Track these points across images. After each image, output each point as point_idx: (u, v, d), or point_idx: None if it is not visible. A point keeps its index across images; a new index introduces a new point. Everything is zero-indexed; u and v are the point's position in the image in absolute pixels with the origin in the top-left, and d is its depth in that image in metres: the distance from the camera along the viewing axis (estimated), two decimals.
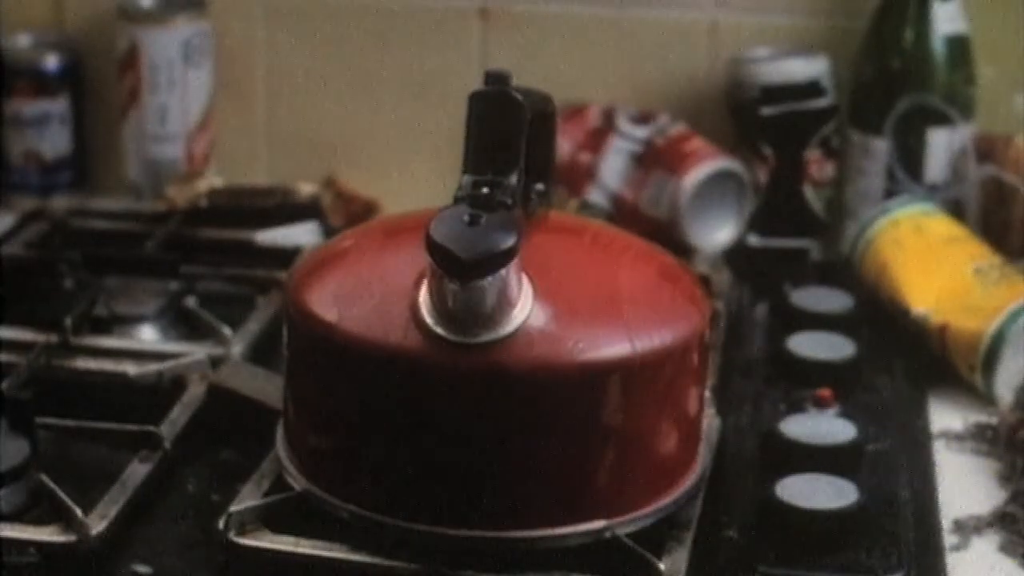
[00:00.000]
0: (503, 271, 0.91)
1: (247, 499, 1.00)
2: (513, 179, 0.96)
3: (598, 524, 0.95)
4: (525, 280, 0.94)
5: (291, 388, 1.02)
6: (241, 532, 0.98)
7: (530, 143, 0.99)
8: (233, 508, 0.99)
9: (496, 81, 0.97)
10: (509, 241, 0.90)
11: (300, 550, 0.97)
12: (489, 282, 0.91)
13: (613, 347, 0.94)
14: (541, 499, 0.94)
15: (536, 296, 0.94)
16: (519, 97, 0.97)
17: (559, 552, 0.96)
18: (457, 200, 0.94)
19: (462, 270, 0.90)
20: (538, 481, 0.94)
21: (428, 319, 0.93)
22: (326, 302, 0.97)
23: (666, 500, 0.98)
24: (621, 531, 0.95)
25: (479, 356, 0.92)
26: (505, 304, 0.92)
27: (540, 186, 1.02)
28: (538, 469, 0.94)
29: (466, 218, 0.91)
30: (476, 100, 0.98)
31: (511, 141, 0.97)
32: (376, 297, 0.96)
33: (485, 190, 0.94)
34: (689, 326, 0.98)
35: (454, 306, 0.92)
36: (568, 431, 0.94)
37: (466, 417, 0.93)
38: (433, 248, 0.90)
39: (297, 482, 0.99)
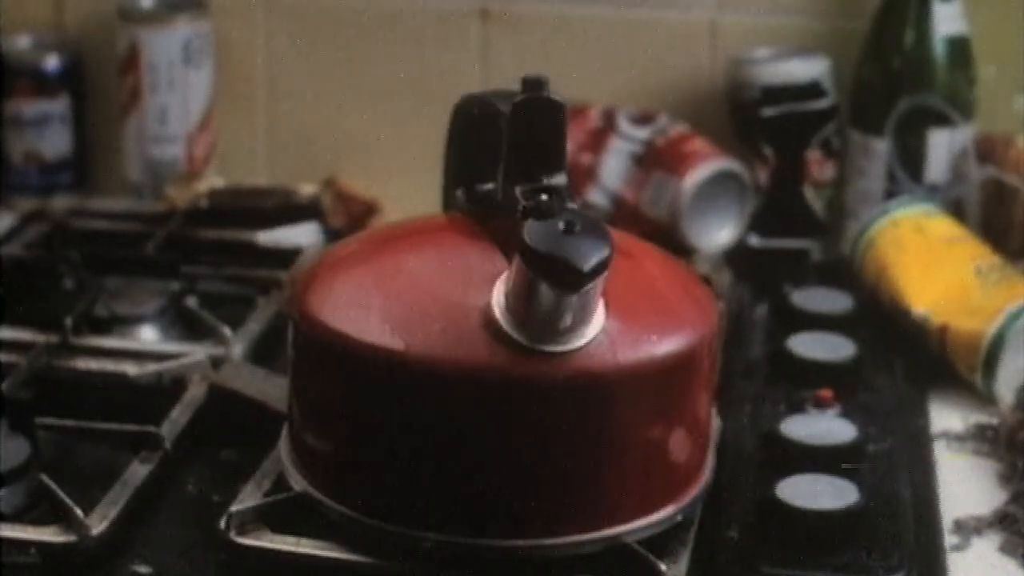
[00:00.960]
0: (593, 285, 0.90)
1: (248, 499, 1.00)
2: (562, 180, 0.96)
3: (613, 531, 0.95)
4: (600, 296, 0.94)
5: (298, 393, 1.01)
6: (242, 532, 0.98)
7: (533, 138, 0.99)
8: (234, 508, 0.99)
9: (535, 88, 0.97)
10: (609, 245, 0.90)
11: (301, 550, 0.97)
12: (591, 291, 0.91)
13: (674, 345, 0.95)
14: (559, 508, 0.94)
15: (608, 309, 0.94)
16: (559, 100, 0.97)
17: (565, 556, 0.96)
18: (526, 211, 0.92)
19: (582, 280, 0.89)
20: (560, 490, 0.94)
21: (505, 326, 0.92)
22: (347, 315, 0.96)
23: (680, 504, 0.98)
24: (635, 537, 0.95)
25: (565, 365, 0.92)
26: (588, 316, 0.92)
27: (552, 181, 1.02)
28: (562, 478, 0.93)
29: (561, 226, 0.90)
30: (518, 109, 0.97)
31: (554, 144, 0.97)
32: (417, 310, 0.94)
33: (544, 197, 0.94)
34: (707, 327, 0.99)
35: (548, 316, 0.91)
36: (617, 436, 0.94)
37: (531, 427, 0.93)
38: (543, 261, 0.89)
39: (298, 484, 0.99)
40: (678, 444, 0.98)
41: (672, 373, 0.96)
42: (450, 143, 1.07)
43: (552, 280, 0.89)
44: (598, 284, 0.90)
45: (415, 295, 0.95)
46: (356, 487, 0.96)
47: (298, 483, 0.99)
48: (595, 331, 0.93)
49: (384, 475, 0.95)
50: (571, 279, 0.89)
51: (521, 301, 0.91)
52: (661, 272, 1.03)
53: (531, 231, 0.90)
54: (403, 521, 0.94)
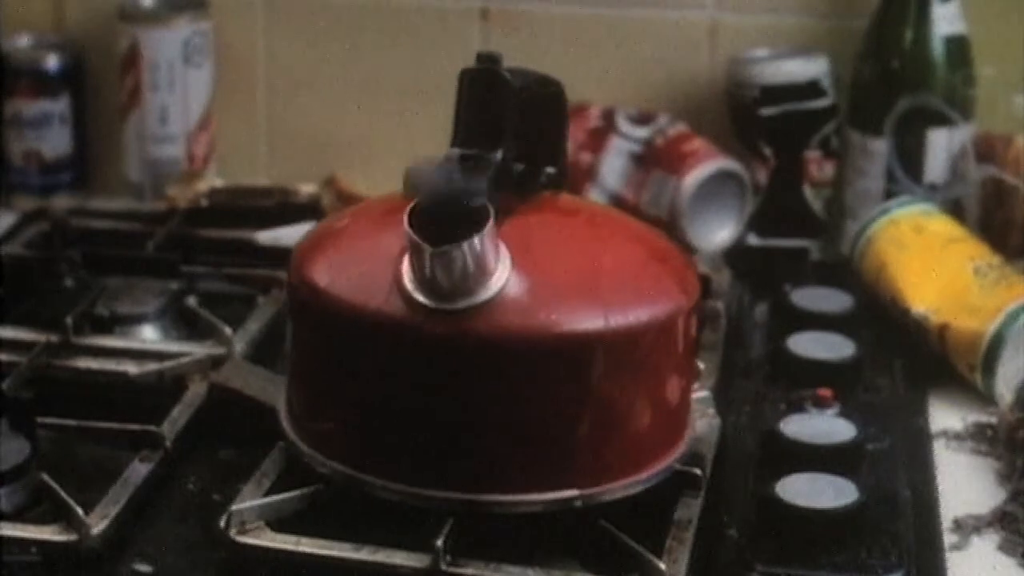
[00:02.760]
0: (476, 239, 0.93)
1: (248, 498, 1.00)
2: (497, 155, 0.98)
3: (569, 493, 0.96)
4: (504, 252, 0.96)
5: (291, 350, 1.04)
6: (242, 531, 0.98)
7: (537, 126, 1.01)
8: (235, 507, 0.99)
9: (487, 61, 1.00)
10: (476, 199, 0.94)
11: (302, 549, 0.97)
12: (464, 249, 0.93)
13: (585, 321, 0.96)
14: (511, 464, 0.96)
15: (515, 268, 0.96)
16: (507, 76, 0.99)
17: (552, 541, 0.97)
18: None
19: (420, 196, 0.94)
20: (507, 447, 0.96)
21: (408, 285, 0.95)
22: (320, 270, 1.00)
23: (639, 476, 0.99)
24: (592, 502, 0.97)
25: (452, 322, 0.95)
26: (481, 273, 0.94)
27: (551, 169, 1.04)
28: (505, 435, 0.96)
29: (441, 172, 0.96)
30: (465, 78, 1.00)
31: (499, 119, 0.99)
32: (364, 265, 0.99)
33: (469, 164, 0.98)
34: (670, 306, 0.99)
35: (430, 272, 0.94)
36: (536, 400, 0.96)
37: (435, 380, 0.96)
38: (405, 184, 0.95)
39: (290, 438, 1.02)
40: (639, 415, 0.98)
41: (626, 345, 0.97)
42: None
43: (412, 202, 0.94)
44: (485, 246, 0.93)
45: (372, 256, 1.00)
46: (334, 440, 1.00)
47: (287, 433, 1.02)
48: (490, 294, 0.95)
49: (361, 427, 0.99)
50: (419, 208, 0.94)
51: (411, 257, 0.95)
52: (636, 250, 1.04)
53: (414, 167, 0.96)
54: (384, 475, 0.97)
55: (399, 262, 0.97)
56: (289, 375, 1.05)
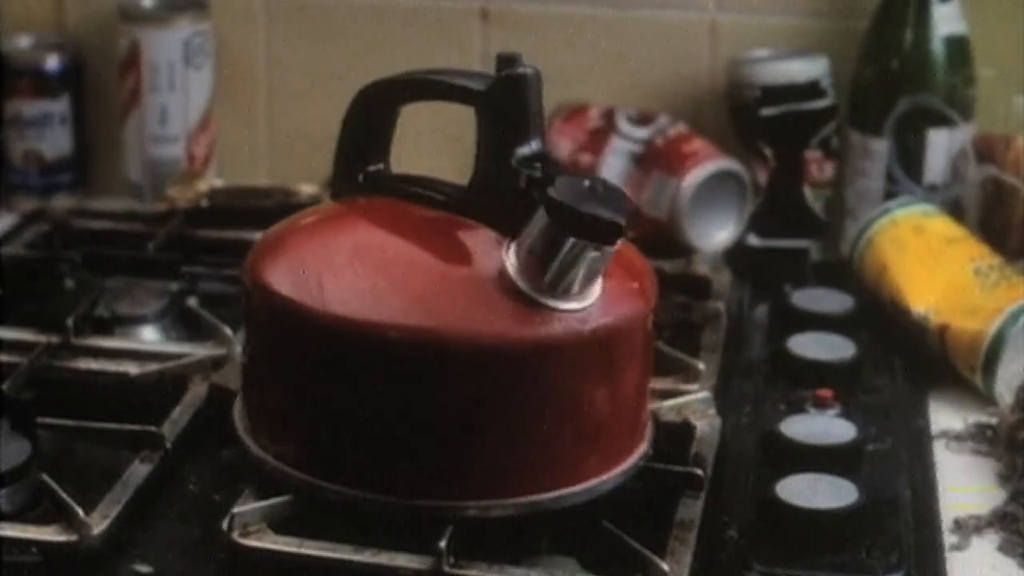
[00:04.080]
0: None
1: (250, 500, 1.00)
2: (538, 147, 0.99)
3: (527, 499, 0.96)
4: None
5: (248, 353, 1.04)
6: (244, 533, 0.98)
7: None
8: (236, 509, 0.99)
9: (509, 63, 0.99)
10: (629, 204, 0.95)
11: (303, 551, 0.97)
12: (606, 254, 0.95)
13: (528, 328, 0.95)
14: (470, 470, 0.96)
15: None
16: (529, 72, 0.99)
17: (555, 542, 0.98)
18: (533, 181, 0.97)
19: (619, 233, 0.93)
20: (462, 453, 0.96)
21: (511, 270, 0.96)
22: (275, 273, 1.00)
23: (606, 476, 0.99)
24: (544, 508, 0.97)
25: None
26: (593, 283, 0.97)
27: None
28: (460, 442, 0.96)
29: (586, 185, 0.94)
30: (494, 88, 1.00)
31: (527, 117, 0.99)
32: (341, 273, 0.98)
33: (539, 164, 0.98)
34: (622, 313, 0.98)
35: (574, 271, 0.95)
36: (474, 408, 0.95)
37: (392, 388, 0.96)
38: (580, 217, 0.93)
39: (250, 447, 1.02)
40: (581, 421, 0.98)
41: (568, 352, 0.97)
42: (344, 128, 1.11)
43: (594, 235, 0.93)
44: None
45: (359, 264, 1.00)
46: (301, 449, 1.00)
47: (248, 444, 1.02)
48: (596, 294, 0.96)
49: (320, 434, 0.98)
50: (612, 233, 0.93)
51: (540, 260, 0.95)
52: None
53: (562, 190, 0.93)
54: (345, 482, 0.97)
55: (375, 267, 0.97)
56: (244, 383, 1.05)
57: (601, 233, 0.93)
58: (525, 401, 0.96)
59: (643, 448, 1.02)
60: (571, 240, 0.93)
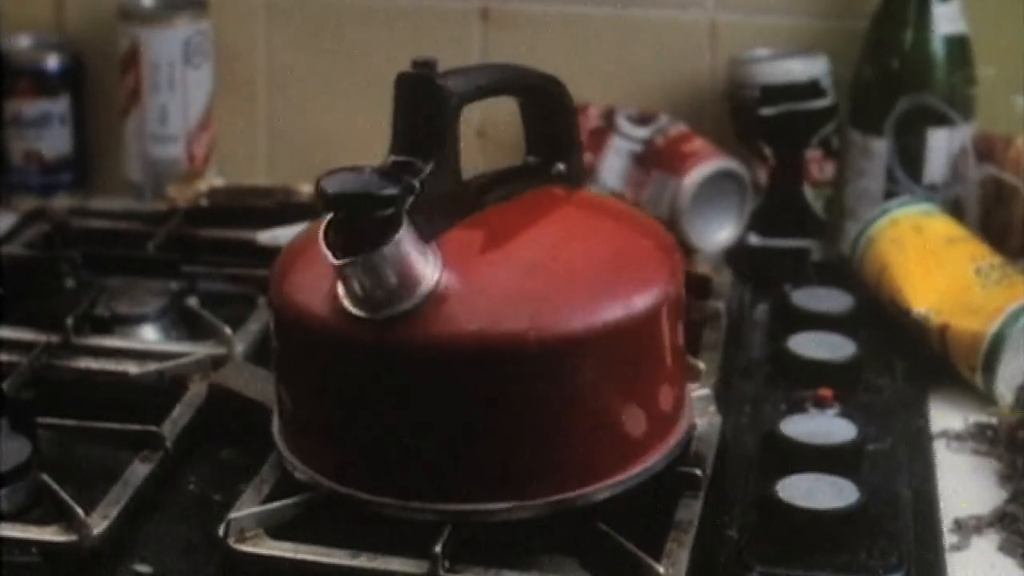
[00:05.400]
0: (398, 247, 0.92)
1: (247, 505, 1.00)
2: (430, 166, 0.97)
3: (533, 502, 0.96)
4: (437, 258, 0.95)
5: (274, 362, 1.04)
6: (241, 539, 0.98)
7: (543, 123, 1.02)
8: (233, 515, 0.98)
9: (423, 67, 0.99)
10: (388, 190, 0.93)
11: (300, 556, 0.97)
12: (383, 255, 0.92)
13: (508, 324, 0.94)
14: (457, 472, 0.96)
15: (451, 273, 0.95)
16: (444, 83, 0.99)
17: (552, 545, 0.97)
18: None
19: (324, 202, 0.93)
20: (452, 455, 0.96)
21: (344, 300, 0.95)
22: (293, 283, 1.00)
23: (626, 475, 0.98)
24: (572, 505, 0.96)
25: (378, 331, 0.94)
26: (409, 280, 0.93)
27: (561, 166, 1.05)
28: (444, 444, 0.95)
29: (352, 171, 0.95)
30: (399, 84, 1.01)
31: (435, 127, 0.99)
32: (322, 276, 0.98)
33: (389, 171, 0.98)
34: (622, 311, 0.97)
35: (350, 284, 0.94)
36: (466, 406, 0.95)
37: (381, 391, 0.96)
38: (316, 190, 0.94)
39: (282, 449, 1.02)
40: (589, 422, 0.97)
41: (563, 348, 0.95)
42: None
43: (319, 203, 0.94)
44: (409, 254, 0.93)
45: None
46: (310, 448, 1.00)
47: (280, 444, 1.02)
48: (415, 302, 0.94)
49: (334, 440, 0.99)
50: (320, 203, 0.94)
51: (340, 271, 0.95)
52: (601, 250, 1.02)
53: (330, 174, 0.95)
54: (342, 482, 0.98)
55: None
56: (276, 387, 1.05)
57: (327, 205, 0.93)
58: (539, 401, 0.95)
59: (673, 443, 1.01)
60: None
